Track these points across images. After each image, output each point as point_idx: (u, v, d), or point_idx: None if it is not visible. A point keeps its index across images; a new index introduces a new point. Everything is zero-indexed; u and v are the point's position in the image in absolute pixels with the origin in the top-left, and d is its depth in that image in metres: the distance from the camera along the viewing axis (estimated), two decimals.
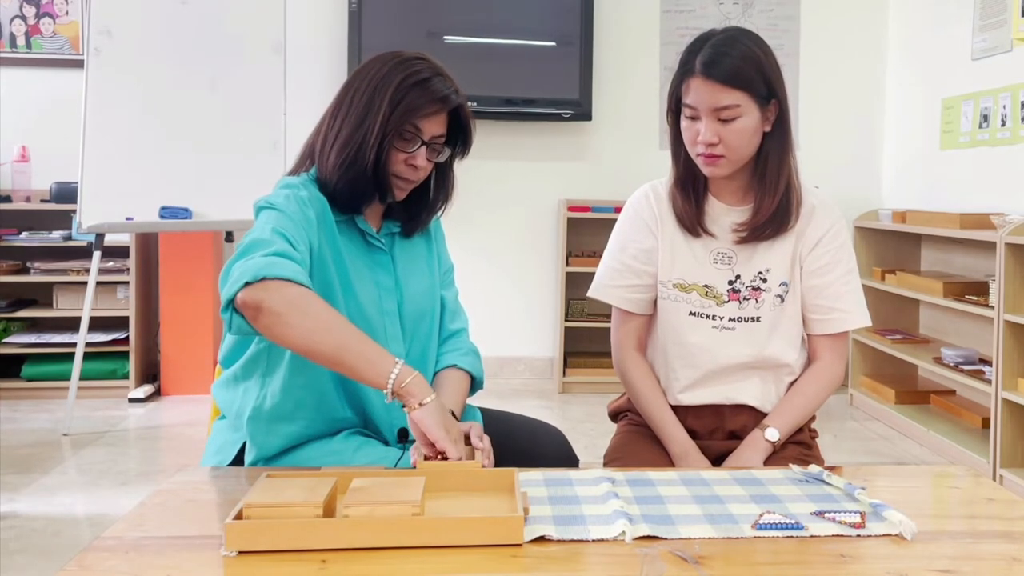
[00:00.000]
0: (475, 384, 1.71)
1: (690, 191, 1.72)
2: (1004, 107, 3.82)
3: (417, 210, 1.67)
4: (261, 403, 1.53)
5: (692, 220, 1.72)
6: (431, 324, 1.68)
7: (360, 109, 1.53)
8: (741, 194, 1.72)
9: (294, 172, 1.62)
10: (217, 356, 1.65)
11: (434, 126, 1.56)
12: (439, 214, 1.72)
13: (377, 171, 1.53)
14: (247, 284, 1.33)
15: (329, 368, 1.42)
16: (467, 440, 1.45)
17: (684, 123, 1.65)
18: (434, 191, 1.68)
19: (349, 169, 1.53)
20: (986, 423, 3.58)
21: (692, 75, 1.60)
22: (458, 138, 1.62)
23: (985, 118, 3.97)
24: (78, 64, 4.50)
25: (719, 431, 1.78)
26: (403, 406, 1.39)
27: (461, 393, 1.65)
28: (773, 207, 1.67)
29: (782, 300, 1.73)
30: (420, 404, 1.36)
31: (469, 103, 1.62)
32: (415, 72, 1.53)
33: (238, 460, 1.56)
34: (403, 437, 1.58)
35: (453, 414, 1.49)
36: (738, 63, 1.59)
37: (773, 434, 1.69)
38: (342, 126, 1.54)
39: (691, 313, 1.74)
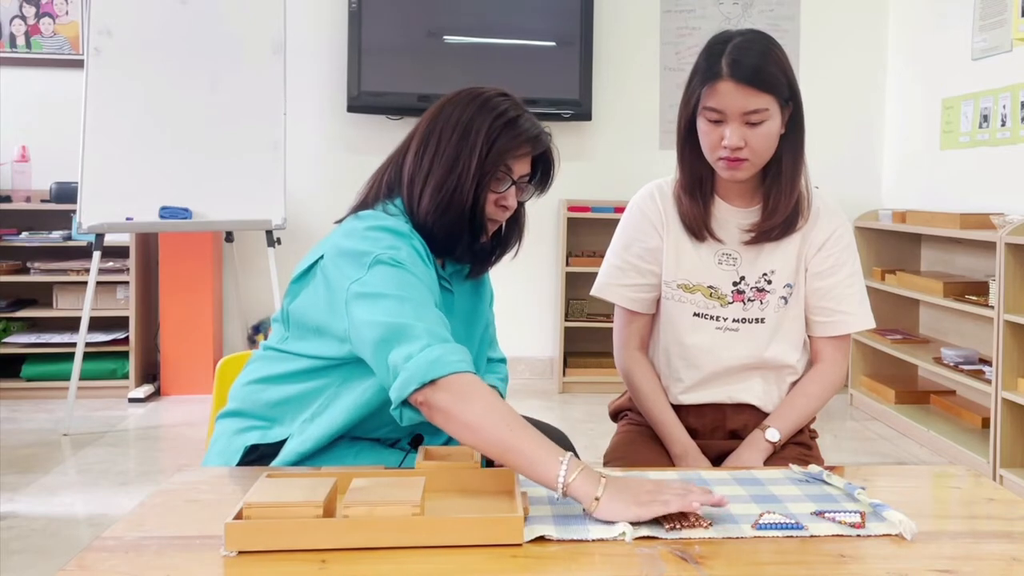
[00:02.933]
0: None
1: (697, 195, 1.70)
2: (1004, 107, 3.82)
3: (487, 251, 1.64)
4: (310, 438, 1.50)
5: (699, 224, 1.70)
6: (477, 361, 1.68)
7: (451, 150, 1.51)
8: (749, 196, 1.71)
9: (365, 206, 1.58)
10: (216, 356, 1.63)
11: (524, 166, 1.56)
12: (513, 253, 1.69)
13: (475, 213, 1.51)
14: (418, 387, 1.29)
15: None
16: None
17: (705, 127, 1.61)
18: (507, 229, 1.66)
19: (446, 212, 1.50)
20: (986, 423, 3.58)
21: (719, 78, 1.57)
22: (536, 175, 1.61)
23: (985, 118, 3.97)
24: (78, 64, 4.50)
25: (720, 430, 1.78)
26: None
27: None
28: (789, 208, 1.66)
29: (786, 302, 1.73)
30: (596, 499, 1.19)
31: None
32: (503, 112, 1.52)
33: (240, 464, 1.55)
34: (415, 442, 1.58)
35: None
36: (768, 66, 1.57)
37: (773, 435, 1.69)
38: (431, 167, 1.51)
39: (695, 314, 1.73)
